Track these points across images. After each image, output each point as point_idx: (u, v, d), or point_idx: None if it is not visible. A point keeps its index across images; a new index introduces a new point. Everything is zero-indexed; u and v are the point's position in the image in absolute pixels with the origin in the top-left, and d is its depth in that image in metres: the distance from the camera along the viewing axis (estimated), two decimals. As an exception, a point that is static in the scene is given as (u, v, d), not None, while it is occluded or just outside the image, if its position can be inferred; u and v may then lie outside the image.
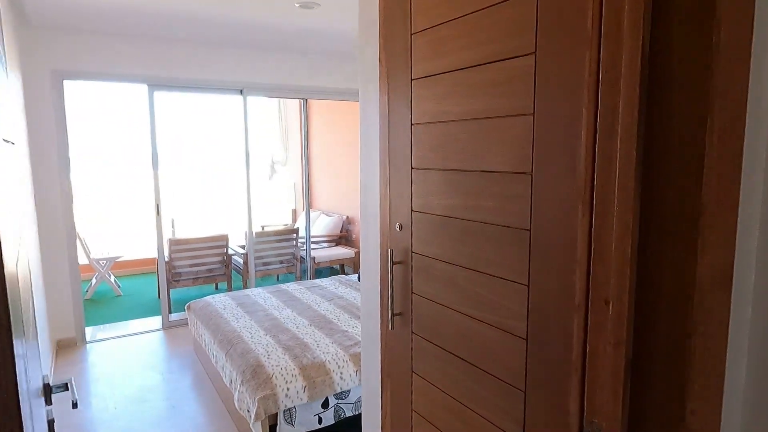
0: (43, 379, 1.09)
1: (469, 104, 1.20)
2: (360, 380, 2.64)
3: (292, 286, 4.08)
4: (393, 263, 1.52)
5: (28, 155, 3.44)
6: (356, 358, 2.70)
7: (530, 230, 1.08)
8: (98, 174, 6.87)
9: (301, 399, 2.48)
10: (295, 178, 7.65)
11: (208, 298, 3.78)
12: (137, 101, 4.81)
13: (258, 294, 3.86)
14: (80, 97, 5.68)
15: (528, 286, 1.09)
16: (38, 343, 1.38)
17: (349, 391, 2.65)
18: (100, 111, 6.59)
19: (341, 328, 3.08)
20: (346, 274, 6.10)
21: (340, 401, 2.63)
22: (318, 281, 4.24)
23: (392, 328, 1.53)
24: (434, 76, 1.32)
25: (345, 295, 3.80)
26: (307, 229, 5.30)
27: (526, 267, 1.09)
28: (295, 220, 7.59)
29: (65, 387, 1.10)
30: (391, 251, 1.51)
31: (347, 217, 6.42)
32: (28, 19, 3.51)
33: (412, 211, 1.46)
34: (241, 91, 4.52)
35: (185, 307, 3.87)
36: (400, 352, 1.56)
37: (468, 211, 1.24)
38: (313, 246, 5.95)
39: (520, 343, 1.12)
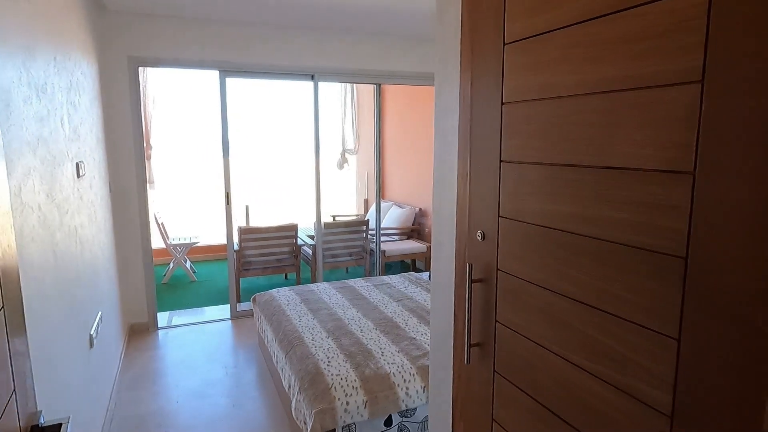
0: (32, 418, 0.89)
1: (594, 71, 0.85)
2: (428, 397, 2.35)
3: (359, 283, 3.86)
4: (472, 281, 1.20)
5: (103, 141, 3.46)
6: (424, 372, 2.41)
7: (686, 258, 0.72)
8: (175, 160, 7.06)
9: (362, 415, 2.23)
10: (366, 167, 7.45)
11: (273, 291, 3.65)
12: (209, 88, 4.78)
13: (323, 290, 3.67)
14: (153, 83, 5.79)
15: (678, 341, 0.74)
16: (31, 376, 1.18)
17: (415, 409, 2.37)
18: (173, 98, 6.72)
19: (409, 335, 2.81)
20: (418, 270, 5.82)
21: (405, 419, 2.35)
22: (386, 278, 3.99)
23: (468, 361, 1.22)
24: (538, 37, 0.97)
25: (414, 295, 3.52)
26: (378, 221, 5.06)
27: (677, 312, 0.74)
28: (365, 210, 7.41)
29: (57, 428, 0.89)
30: (470, 266, 1.19)
31: (420, 209, 6.12)
32: (104, 4, 3.50)
33: (498, 216, 1.13)
34: (312, 77, 4.33)
35: (251, 299, 3.77)
36: (478, 393, 1.24)
37: (583, 223, 0.89)
38: (383, 239, 5.71)
39: (659, 420, 0.77)
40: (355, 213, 7.73)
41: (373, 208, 6.77)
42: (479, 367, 1.22)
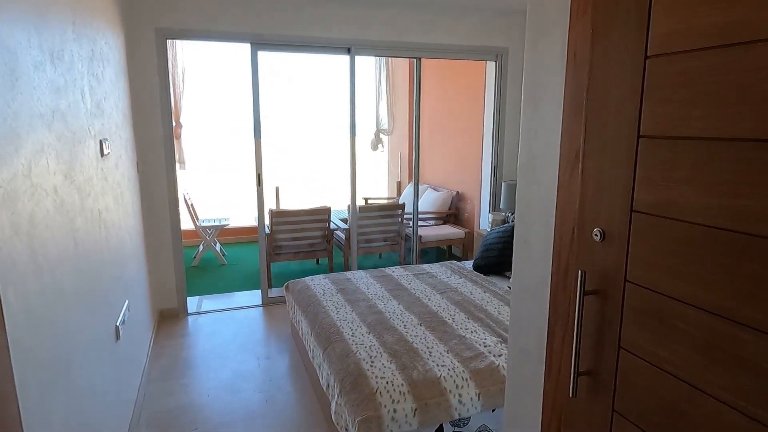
0: None
1: None
2: (483, 405, 2.11)
3: (397, 272, 3.62)
4: (584, 292, 0.93)
5: (130, 118, 3.27)
6: (478, 376, 2.16)
7: None
8: (206, 139, 6.90)
9: (411, 425, 2.00)
10: (399, 149, 7.16)
11: (307, 279, 3.44)
12: (240, 62, 4.55)
13: (360, 278, 3.44)
14: (182, 58, 5.58)
15: None
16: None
17: (468, 418, 2.12)
18: (203, 73, 6.53)
19: (458, 333, 2.55)
20: (456, 257, 5.54)
21: (457, 429, 2.12)
22: (426, 267, 3.74)
23: (574, 394, 0.95)
24: (725, -46, 0.68)
25: (459, 286, 3.26)
26: (415, 205, 4.79)
27: None
28: (398, 193, 7.14)
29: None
30: (583, 274, 0.92)
31: (457, 192, 5.81)
32: (131, -29, 3.28)
33: (631, 211, 0.85)
34: (349, 50, 4.05)
35: (284, 287, 3.57)
36: (587, 436, 0.98)
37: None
38: (419, 223, 5.45)
39: None
40: (388, 196, 7.47)
41: (406, 191, 6.50)
42: (589, 402, 0.96)
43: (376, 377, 2.13)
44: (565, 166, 1.01)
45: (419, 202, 5.97)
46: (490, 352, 2.35)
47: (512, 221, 4.31)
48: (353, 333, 2.56)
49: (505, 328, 2.61)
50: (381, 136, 6.63)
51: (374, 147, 6.57)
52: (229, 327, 3.74)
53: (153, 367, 3.12)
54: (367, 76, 6.56)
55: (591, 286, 0.93)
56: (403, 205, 5.12)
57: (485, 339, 2.49)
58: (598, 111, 0.90)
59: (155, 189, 3.72)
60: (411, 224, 5.14)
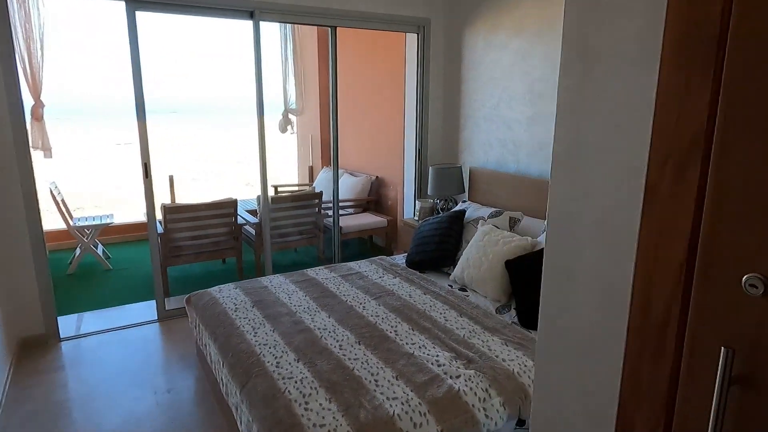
0: None
1: None
2: (446, 444, 1.73)
3: (322, 273, 3.14)
4: (729, 380, 0.54)
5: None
6: (437, 408, 1.79)
7: None
8: (78, 122, 5.84)
9: (364, 486, 1.58)
10: (312, 130, 6.59)
11: (214, 291, 2.85)
12: (116, 26, 3.72)
13: (279, 285, 2.92)
14: (41, 21, 4.55)
15: None
16: None
17: (432, 464, 1.74)
18: (73, 40, 5.47)
19: (404, 350, 2.16)
20: (379, 248, 5.15)
21: (417, 478, 1.73)
22: (353, 265, 3.30)
23: None
24: None
25: (395, 288, 2.86)
26: (335, 192, 4.31)
27: None
28: (312, 179, 6.59)
29: None
30: (730, 353, 0.52)
31: (376, 177, 5.41)
32: None
33: None
34: (252, 14, 3.43)
35: (184, 301, 2.95)
36: None
37: None
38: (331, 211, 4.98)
39: None
40: (299, 183, 6.90)
41: (321, 177, 5.98)
42: None
43: (314, 425, 1.67)
44: (662, 163, 0.61)
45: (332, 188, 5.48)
46: (446, 373, 1.98)
47: (441, 208, 3.99)
48: (278, 362, 2.06)
49: (456, 338, 2.26)
50: (290, 116, 6.01)
51: (283, 129, 5.95)
52: (117, 352, 3.05)
53: (10, 420, 2.40)
54: (273, 49, 5.88)
55: (742, 369, 0.55)
56: (321, 193, 4.62)
57: (437, 356, 2.11)
58: (757, 63, 0.50)
59: (4, 182, 2.88)
60: (330, 214, 4.66)
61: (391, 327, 2.38)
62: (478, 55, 3.88)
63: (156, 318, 3.52)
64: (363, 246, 5.38)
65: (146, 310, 3.65)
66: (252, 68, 3.61)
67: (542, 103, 3.38)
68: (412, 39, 4.21)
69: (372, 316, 2.50)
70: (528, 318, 2.40)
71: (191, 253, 4.09)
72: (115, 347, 3.12)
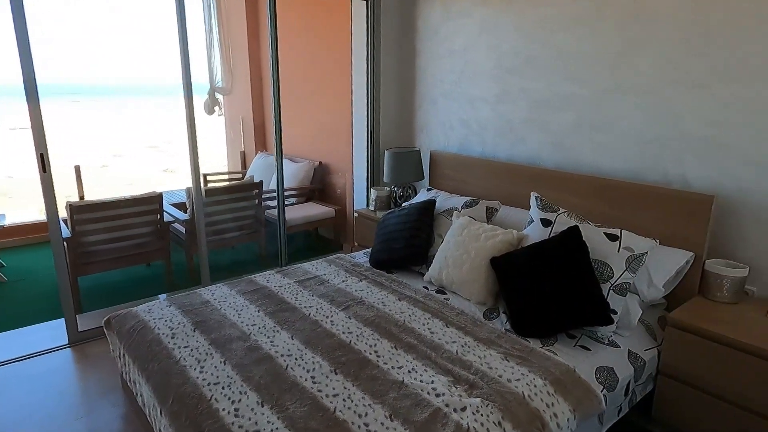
0: None
1: None
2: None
3: (273, 280, 2.67)
4: None
5: None
6: (449, 456, 1.43)
7: None
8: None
9: None
10: (243, 111, 5.95)
11: (142, 311, 2.30)
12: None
13: (223, 298, 2.43)
14: None
15: None
16: None
17: None
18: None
19: (391, 376, 1.78)
20: (327, 240, 4.69)
21: None
22: (309, 267, 2.86)
23: None
24: None
25: (363, 294, 2.46)
26: (280, 181, 3.78)
27: None
28: (245, 166, 5.99)
29: None
30: None
31: (320, 163, 4.93)
32: None
33: None
34: (173, -31, 2.83)
35: (103, 323, 2.38)
36: None
37: None
38: (274, 202, 4.46)
39: None
40: (230, 171, 6.25)
41: (255, 164, 5.41)
42: None
43: (298, 502, 1.26)
44: None
45: (272, 177, 4.95)
46: (447, 405, 1.62)
47: (399, 197, 3.62)
48: (237, 408, 1.61)
49: (449, 356, 1.91)
50: (217, 96, 5.35)
51: (210, 110, 5.29)
52: (17, 392, 2.43)
53: None
54: (196, 21, 5.16)
55: None
56: (261, 183, 4.09)
57: (432, 382, 1.76)
58: None
59: None
60: (271, 206, 4.16)
61: (370, 346, 1.98)
62: (436, 25, 3.50)
63: (66, 342, 2.89)
64: (309, 239, 4.92)
65: (53, 332, 3.00)
66: (175, 41, 3.01)
67: (512, 79, 3.08)
68: (359, 7, 3.75)
69: (344, 332, 2.09)
70: (523, 324, 2.10)
71: (107, 258, 3.45)
72: (13, 385, 2.49)
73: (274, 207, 4.21)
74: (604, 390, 1.87)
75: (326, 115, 4.76)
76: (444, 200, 2.92)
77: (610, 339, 2.09)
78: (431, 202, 2.86)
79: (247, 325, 2.15)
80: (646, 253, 2.15)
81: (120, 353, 2.18)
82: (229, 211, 3.91)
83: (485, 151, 3.34)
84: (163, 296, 3.66)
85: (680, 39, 2.31)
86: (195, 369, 1.83)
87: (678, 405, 2.09)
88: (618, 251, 2.15)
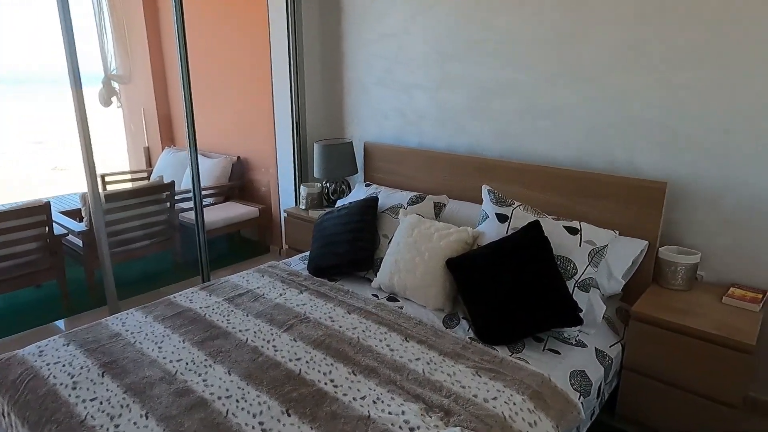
0: None
1: None
2: None
3: (197, 299, 2.29)
4: None
5: None
6: None
7: None
8: None
9: None
10: (145, 102, 5.30)
11: (29, 353, 1.84)
12: None
13: (137, 328, 2.02)
14: None
15: None
16: None
17: None
18: None
19: (354, 411, 1.52)
20: (251, 243, 4.28)
21: None
22: (238, 280, 2.50)
23: None
24: None
25: (308, 309, 2.16)
26: (195, 180, 3.32)
27: None
28: (150, 164, 5.36)
29: None
30: None
31: (238, 158, 4.50)
32: None
33: None
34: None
35: (-23, 373, 1.88)
36: None
37: None
38: (191, 204, 3.97)
39: None
40: (132, 170, 5.58)
41: (163, 161, 4.84)
42: None
43: None
44: None
45: (184, 176, 4.45)
46: (425, 441, 1.40)
47: (332, 193, 3.33)
48: (167, 480, 1.27)
49: (415, 377, 1.69)
50: (113, 85, 4.70)
51: (106, 102, 4.63)
52: None
53: None
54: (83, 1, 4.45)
55: None
56: (172, 183, 3.61)
57: (401, 411, 1.52)
58: None
59: None
60: (185, 208, 3.70)
61: (324, 375, 1.71)
62: (364, 5, 3.23)
63: (-70, 394, 2.31)
64: (231, 244, 4.47)
65: None
66: (56, 22, 2.49)
67: (451, 64, 2.89)
68: (277, -16, 3.38)
69: (291, 360, 1.79)
70: (488, 332, 1.93)
71: (-18, 283, 2.84)
72: None
73: (189, 209, 3.74)
74: (581, 397, 1.74)
75: (243, 105, 4.33)
76: (386, 197, 2.68)
77: (577, 339, 1.97)
78: (373, 200, 2.61)
79: (171, 361, 1.79)
80: (607, 245, 2.06)
81: (4, 412, 1.73)
82: (136, 217, 3.40)
83: (423, 141, 3.14)
84: (60, 322, 3.11)
85: (627, 22, 2.23)
86: (108, 429, 1.45)
87: (641, 398, 2.03)
88: (580, 245, 2.04)
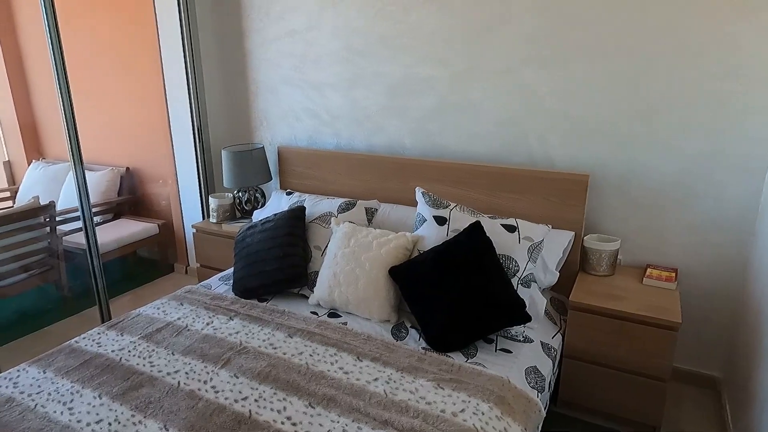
0: None
1: None
2: None
3: (105, 341, 1.96)
4: None
5: None
6: None
7: None
8: None
9: None
10: (2, 109, 4.51)
11: None
12: None
13: (35, 387, 1.67)
14: None
15: None
16: None
17: None
18: None
19: (324, 452, 1.37)
20: (151, 262, 3.83)
21: None
22: (153, 312, 2.19)
23: None
24: None
25: (243, 338, 1.95)
26: (83, 196, 2.87)
27: None
28: (14, 181, 4.60)
29: None
30: None
31: (127, 169, 4.01)
32: None
33: None
34: None
35: None
36: None
37: None
38: (73, 225, 3.44)
39: None
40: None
41: (30, 177, 4.18)
42: None
43: None
44: None
45: (62, 192, 3.88)
46: (406, 472, 1.30)
47: (246, 202, 3.09)
48: None
49: (378, 400, 1.58)
50: (-42, 90, 3.93)
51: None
52: None
53: None
54: None
55: None
56: (51, 204, 3.10)
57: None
58: None
59: None
60: (72, 229, 3.22)
61: (278, 413, 1.53)
62: (266, 1, 3.00)
63: None
64: (127, 267, 3.97)
65: None
66: None
67: (363, 62, 2.79)
68: (164, -25, 3.03)
69: (236, 401, 1.59)
70: (441, 339, 1.88)
71: None
72: None
73: (75, 231, 3.25)
74: (538, 394, 1.76)
75: (130, 109, 3.86)
76: (313, 205, 2.52)
77: (524, 335, 2.00)
78: (300, 210, 2.43)
79: (88, 423, 1.49)
80: (543, 239, 2.11)
81: None
82: (5, 248, 2.87)
83: (340, 143, 3.01)
84: None
85: (535, 16, 2.29)
86: None
87: (581, 383, 2.12)
88: (519, 242, 2.06)
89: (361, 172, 2.82)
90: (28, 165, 4.37)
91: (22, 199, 4.10)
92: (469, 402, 1.58)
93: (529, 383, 1.77)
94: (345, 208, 2.44)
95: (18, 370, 1.78)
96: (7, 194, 4.43)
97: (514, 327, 1.95)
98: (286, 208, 2.57)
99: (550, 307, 2.26)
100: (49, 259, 3.13)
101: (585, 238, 2.32)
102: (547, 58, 2.31)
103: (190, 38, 3.11)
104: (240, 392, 1.63)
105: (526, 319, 1.88)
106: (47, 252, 3.11)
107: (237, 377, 1.71)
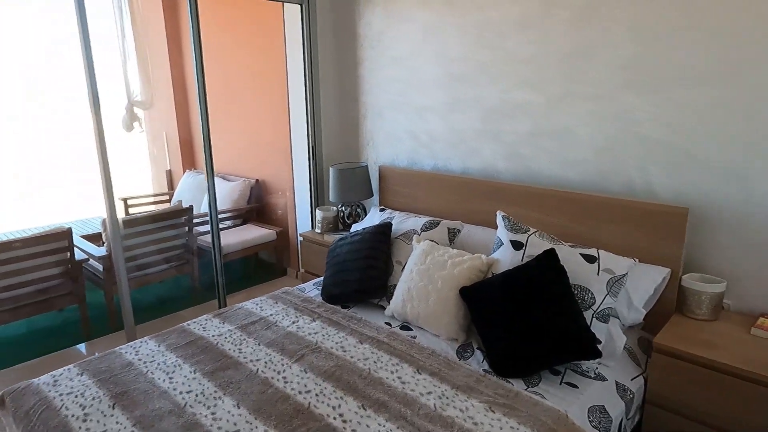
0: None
1: None
2: None
3: (210, 326, 2.29)
4: None
5: None
6: None
7: None
8: None
9: None
10: (166, 127, 5.43)
11: (44, 382, 1.86)
12: None
13: (150, 357, 2.03)
14: None
15: None
16: None
17: None
18: None
19: (364, 450, 1.48)
20: (268, 265, 4.29)
21: None
22: (252, 307, 2.50)
23: None
24: None
25: (319, 338, 2.14)
26: (212, 204, 3.37)
27: None
28: (172, 187, 5.45)
29: None
30: None
31: (257, 181, 4.55)
32: None
33: None
34: (69, -34, 2.39)
35: (-6, 402, 1.91)
36: None
37: None
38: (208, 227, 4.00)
39: None
40: (155, 193, 5.68)
41: (183, 184, 4.92)
42: None
43: None
44: None
45: (203, 199, 4.50)
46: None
47: (347, 217, 3.33)
48: None
49: (427, 413, 1.64)
50: (136, 111, 4.82)
51: (128, 126, 4.75)
52: None
53: None
54: (106, 25, 4.60)
55: None
56: (191, 208, 3.65)
57: (412, 450, 1.48)
58: None
59: None
60: (205, 230, 3.74)
61: (333, 409, 1.68)
62: (377, 31, 3.25)
63: (-49, 420, 2.35)
64: (248, 267, 4.50)
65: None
66: (80, 47, 2.57)
67: (462, 87, 2.88)
68: (293, 12, 3.44)
69: (300, 392, 1.77)
70: (504, 364, 1.88)
71: (4, 309, 2.90)
72: None
73: (207, 233, 3.78)
74: (600, 435, 1.67)
75: (261, 128, 4.39)
76: (400, 222, 2.66)
77: (596, 372, 1.90)
78: (387, 226, 2.59)
79: (181, 392, 1.78)
80: (626, 274, 1.99)
81: (17, 441, 1.74)
82: (153, 242, 3.45)
83: (437, 164, 3.12)
84: (81, 346, 3.17)
85: (633, 41, 2.19)
86: (114, 465, 1.44)
87: (666, 434, 1.94)
88: (597, 274, 1.98)
89: (454, 193, 2.89)
90: (183, 174, 5.17)
91: (175, 202, 4.84)
92: (518, 429, 1.57)
93: (591, 422, 1.69)
94: (428, 227, 2.54)
95: (141, 342, 2.17)
96: (166, 197, 5.27)
97: (585, 362, 1.87)
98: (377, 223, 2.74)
99: (637, 348, 2.11)
100: (186, 255, 3.67)
101: (684, 276, 2.12)
102: (645, 84, 2.19)
103: (311, 68, 3.47)
104: (305, 386, 1.81)
105: (595, 354, 1.80)
106: (184, 248, 3.66)
107: (306, 372, 1.89)
